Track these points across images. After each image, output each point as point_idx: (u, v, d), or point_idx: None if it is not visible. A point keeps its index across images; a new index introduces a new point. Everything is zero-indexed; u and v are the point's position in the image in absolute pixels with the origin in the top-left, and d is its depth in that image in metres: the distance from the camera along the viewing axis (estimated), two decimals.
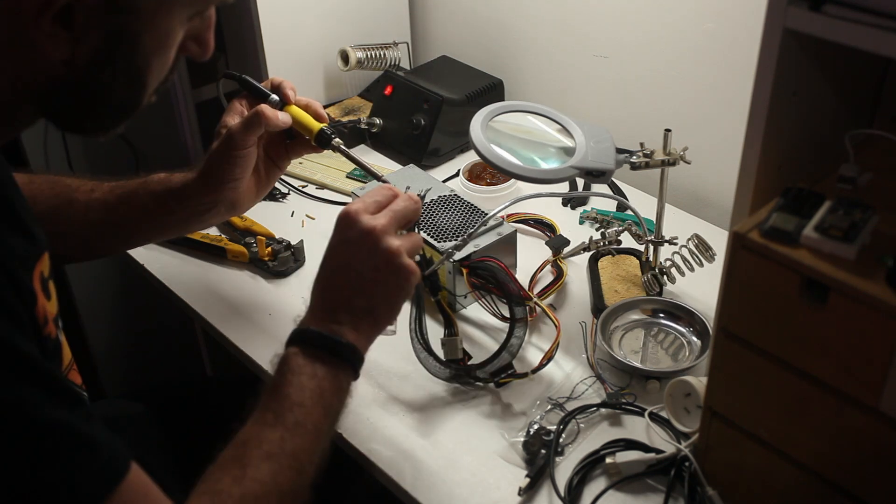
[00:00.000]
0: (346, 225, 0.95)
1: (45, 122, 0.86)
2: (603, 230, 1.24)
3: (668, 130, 1.14)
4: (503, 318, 1.13)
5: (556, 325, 1.12)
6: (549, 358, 1.09)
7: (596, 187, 1.41)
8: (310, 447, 0.87)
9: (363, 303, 0.93)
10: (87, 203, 1.12)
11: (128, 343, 2.03)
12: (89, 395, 1.01)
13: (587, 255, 1.27)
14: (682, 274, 1.18)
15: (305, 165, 1.54)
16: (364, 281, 0.93)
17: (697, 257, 1.16)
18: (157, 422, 1.24)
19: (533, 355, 1.15)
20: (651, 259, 1.23)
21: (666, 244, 1.21)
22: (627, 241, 1.24)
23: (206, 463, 0.89)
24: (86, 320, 1.95)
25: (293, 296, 1.26)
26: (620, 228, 1.22)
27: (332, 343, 0.90)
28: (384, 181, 1.08)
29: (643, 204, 1.32)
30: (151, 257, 1.34)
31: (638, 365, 1.11)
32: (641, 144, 1.16)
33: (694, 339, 1.15)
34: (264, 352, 1.16)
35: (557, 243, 1.25)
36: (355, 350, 0.91)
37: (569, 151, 1.13)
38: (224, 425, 1.20)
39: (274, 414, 0.86)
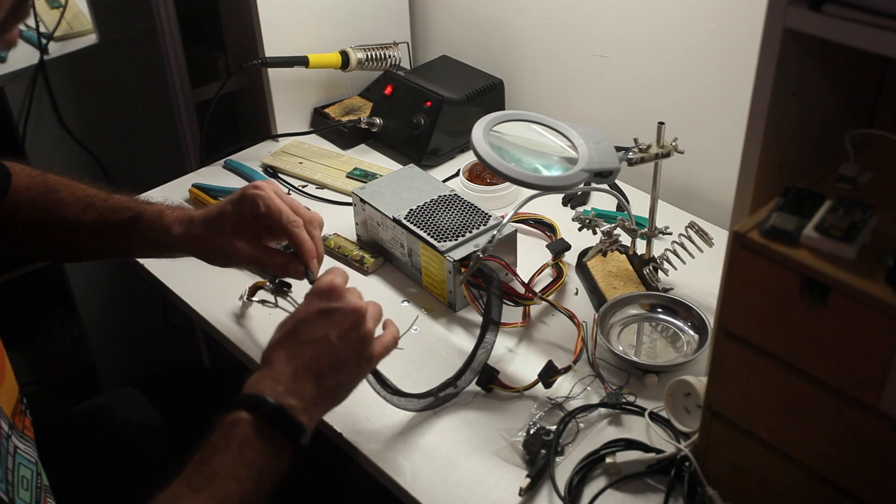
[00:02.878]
0: (329, 297, 0.92)
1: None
2: (601, 229, 1.24)
3: (661, 123, 1.15)
4: (495, 324, 1.13)
5: (571, 318, 1.13)
6: (580, 351, 1.10)
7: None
8: None
9: (332, 381, 0.90)
10: (75, 223, 1.12)
11: (126, 336, 2.04)
12: (87, 391, 1.01)
13: (575, 257, 1.29)
14: (683, 262, 1.19)
15: (305, 165, 1.54)
16: (339, 359, 0.90)
17: (695, 244, 1.16)
18: (156, 413, 1.24)
19: (536, 355, 1.15)
20: (643, 253, 1.25)
21: (658, 237, 1.23)
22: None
23: None
24: (83, 313, 1.95)
25: (292, 296, 1.26)
26: (614, 225, 1.23)
27: (288, 423, 0.86)
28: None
29: (633, 200, 1.32)
30: None
31: (636, 359, 1.11)
32: (635, 140, 1.17)
33: (692, 333, 1.15)
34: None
35: (557, 247, 1.25)
36: (306, 433, 0.87)
37: (570, 157, 1.13)
38: (222, 416, 1.21)
39: (206, 479, 0.82)
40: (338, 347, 0.90)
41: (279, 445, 0.86)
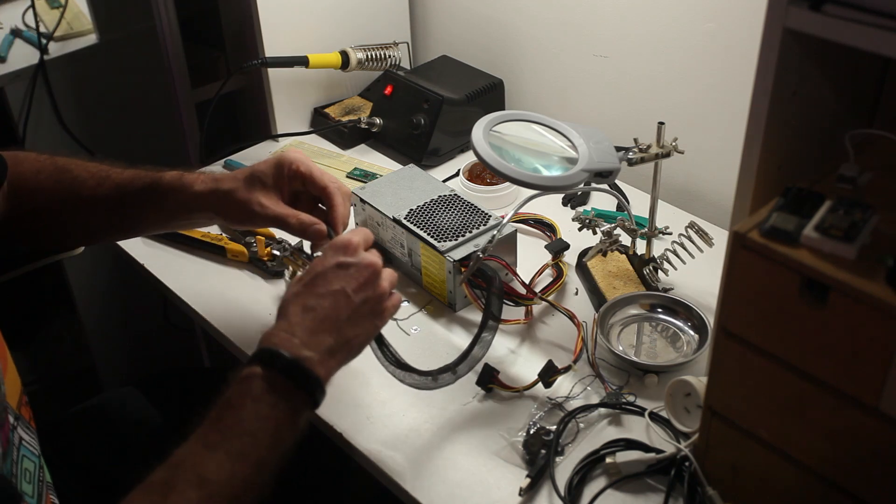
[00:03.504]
0: (346, 251, 0.92)
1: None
2: (601, 229, 1.24)
3: (661, 123, 1.15)
4: (495, 319, 1.14)
5: (571, 318, 1.13)
6: (580, 350, 1.10)
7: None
8: (248, 479, 0.81)
9: (349, 333, 0.90)
10: (92, 199, 1.10)
11: (126, 336, 2.04)
12: (87, 391, 1.01)
13: (575, 257, 1.29)
14: (683, 262, 1.19)
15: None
16: (354, 312, 0.91)
17: (695, 244, 1.16)
18: (156, 413, 1.24)
19: (536, 355, 1.15)
20: (642, 253, 1.25)
21: (658, 237, 1.23)
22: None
23: None
24: (83, 313, 1.95)
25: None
26: (614, 225, 1.23)
27: (304, 376, 0.85)
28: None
29: (633, 200, 1.32)
30: (151, 256, 1.34)
31: (636, 359, 1.11)
32: (635, 140, 1.17)
33: (692, 333, 1.15)
34: None
35: (557, 247, 1.25)
36: (322, 386, 0.87)
37: (570, 157, 1.13)
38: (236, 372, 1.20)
39: (220, 435, 0.82)
40: (353, 300, 0.90)
41: (295, 399, 0.85)
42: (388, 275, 0.95)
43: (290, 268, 1.23)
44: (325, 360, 0.87)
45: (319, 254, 1.01)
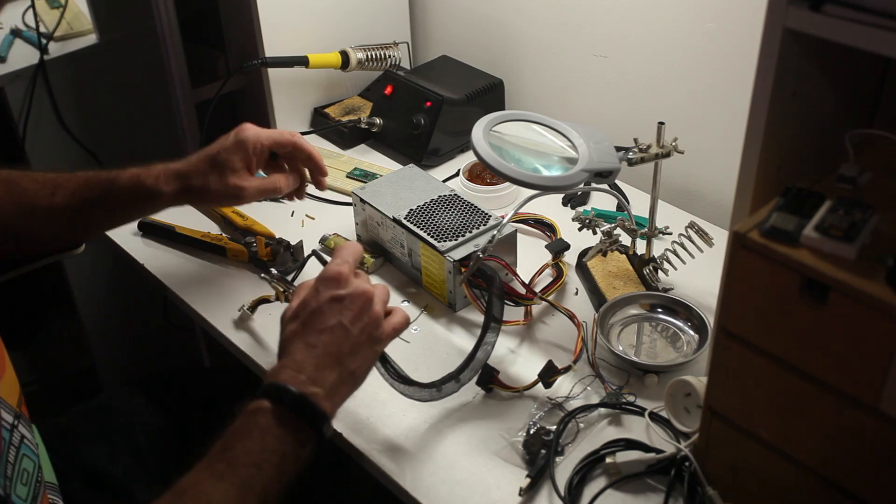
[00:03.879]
0: (338, 284, 0.93)
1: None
2: (601, 229, 1.24)
3: (661, 123, 1.15)
4: (496, 322, 1.14)
5: (571, 318, 1.13)
6: (580, 350, 1.10)
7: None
8: None
9: (351, 366, 0.91)
10: (48, 208, 1.11)
11: (126, 336, 2.04)
12: (87, 391, 1.01)
13: (575, 257, 1.29)
14: (683, 262, 1.19)
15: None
16: (354, 343, 0.91)
17: (695, 244, 1.16)
18: (156, 413, 1.24)
19: (536, 355, 1.15)
20: (643, 253, 1.25)
21: (658, 237, 1.23)
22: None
23: (203, 453, 0.87)
24: (83, 313, 1.95)
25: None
26: (614, 225, 1.23)
27: (311, 412, 0.86)
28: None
29: (633, 200, 1.32)
30: (151, 256, 1.34)
31: (636, 359, 1.11)
32: (635, 140, 1.17)
33: (692, 333, 1.15)
34: (263, 351, 1.16)
35: (557, 247, 1.25)
36: (328, 420, 0.88)
37: (570, 157, 1.13)
38: (222, 415, 1.21)
39: (227, 465, 0.83)
40: (351, 332, 0.91)
41: (302, 433, 0.86)
42: (380, 296, 0.95)
43: (275, 293, 1.20)
44: (330, 394, 0.89)
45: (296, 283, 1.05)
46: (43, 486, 0.95)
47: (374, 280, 1.29)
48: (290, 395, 0.86)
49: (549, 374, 1.06)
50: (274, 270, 1.20)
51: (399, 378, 1.04)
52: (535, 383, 1.07)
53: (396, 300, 1.26)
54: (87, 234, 1.21)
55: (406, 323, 0.97)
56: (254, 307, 1.21)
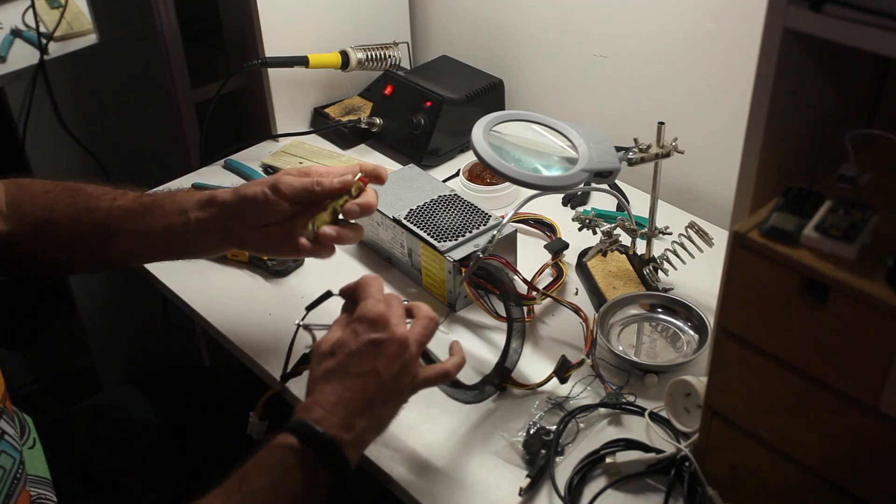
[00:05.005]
0: (378, 327, 0.90)
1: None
2: (601, 229, 1.24)
3: (661, 123, 1.15)
4: (499, 317, 1.14)
5: (577, 312, 1.13)
6: (591, 343, 1.09)
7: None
8: None
9: (380, 413, 0.90)
10: (108, 210, 1.09)
11: (126, 336, 2.04)
12: (87, 391, 1.01)
13: (575, 257, 1.29)
14: (683, 262, 1.19)
15: (305, 165, 1.54)
16: (387, 390, 0.90)
17: (695, 244, 1.16)
18: (156, 413, 1.24)
19: (541, 353, 1.15)
20: (643, 253, 1.25)
21: (658, 237, 1.23)
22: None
23: (202, 453, 0.87)
24: (83, 313, 1.95)
25: (292, 295, 1.26)
26: (614, 225, 1.23)
27: (338, 459, 0.85)
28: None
29: (633, 200, 1.32)
30: None
31: (636, 359, 1.11)
32: (635, 140, 1.17)
33: (692, 333, 1.15)
34: (264, 350, 1.16)
35: (556, 246, 1.25)
36: (350, 470, 0.87)
37: (570, 157, 1.13)
38: (221, 415, 1.20)
39: (242, 497, 0.82)
40: (385, 379, 0.89)
41: (321, 478, 0.85)
42: (417, 337, 0.93)
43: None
44: (356, 442, 0.88)
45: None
46: (23, 483, 0.94)
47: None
48: (319, 439, 0.85)
49: (564, 369, 1.06)
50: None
51: (451, 382, 1.03)
52: (549, 378, 1.07)
53: None
54: (139, 247, 1.13)
55: (444, 376, 0.95)
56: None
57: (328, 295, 0.99)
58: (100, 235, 1.09)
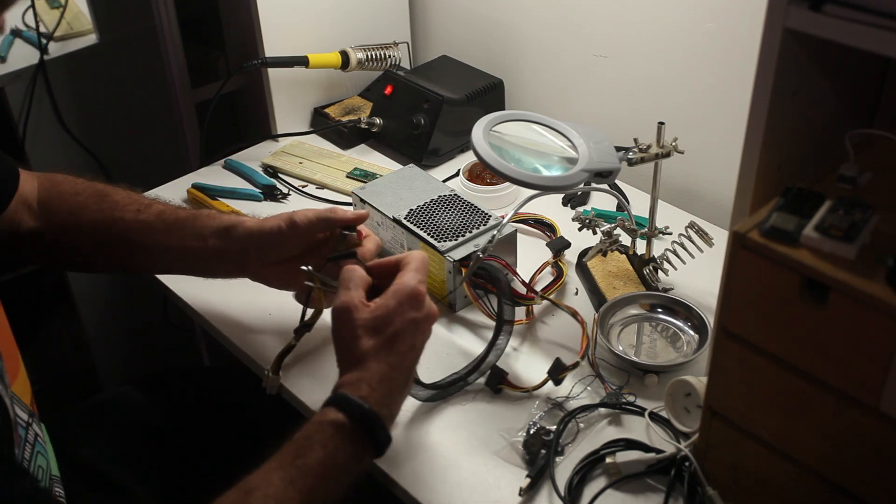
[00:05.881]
0: (418, 305, 0.93)
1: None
2: (601, 229, 1.24)
3: (661, 123, 1.15)
4: (507, 323, 1.14)
5: (574, 315, 1.13)
6: (586, 346, 1.10)
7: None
8: None
9: (410, 384, 0.96)
10: (132, 223, 1.12)
11: (126, 336, 2.04)
12: (87, 391, 1.02)
13: (575, 257, 1.29)
14: (683, 262, 1.19)
15: (305, 165, 1.54)
16: (415, 363, 0.95)
17: (695, 244, 1.16)
18: (156, 413, 1.24)
19: (539, 355, 1.15)
20: (643, 253, 1.25)
21: (658, 237, 1.23)
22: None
23: (202, 452, 0.88)
24: (83, 313, 1.95)
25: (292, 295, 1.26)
26: (614, 225, 1.23)
27: (383, 435, 0.89)
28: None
29: (633, 200, 1.32)
30: None
31: (636, 359, 1.11)
32: (635, 140, 1.17)
33: (692, 333, 1.15)
34: (264, 350, 1.16)
35: (558, 245, 1.25)
36: (390, 443, 0.91)
37: (570, 157, 1.13)
38: (221, 415, 1.21)
39: (298, 472, 0.84)
40: (419, 354, 0.94)
41: (366, 452, 0.89)
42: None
43: (314, 293, 1.09)
44: (393, 415, 0.92)
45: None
46: (53, 482, 0.96)
47: None
48: (367, 416, 0.87)
49: (558, 371, 1.06)
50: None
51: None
52: (544, 382, 1.07)
53: None
54: (157, 261, 1.17)
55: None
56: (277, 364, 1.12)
57: (353, 255, 1.01)
58: (121, 246, 1.13)
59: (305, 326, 1.07)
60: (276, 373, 1.09)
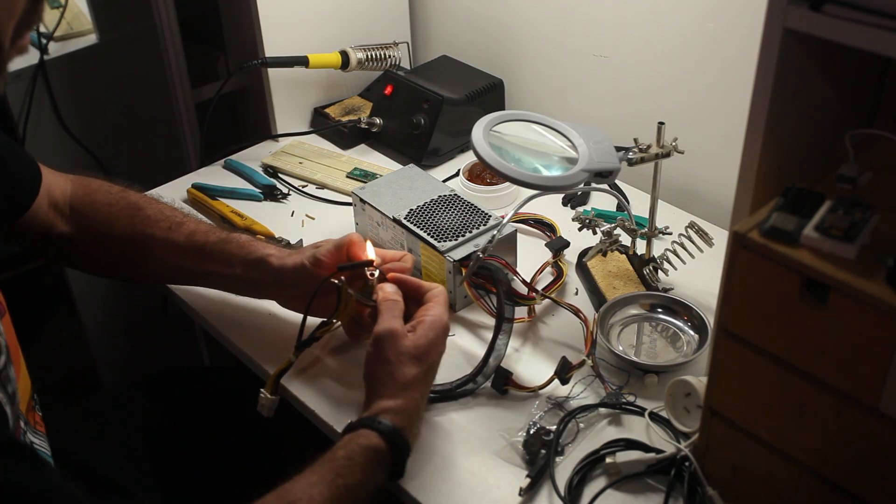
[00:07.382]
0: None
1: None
2: (601, 229, 1.24)
3: (661, 123, 1.15)
4: (507, 321, 1.14)
5: (576, 313, 1.13)
6: (591, 343, 1.09)
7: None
8: None
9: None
10: (162, 241, 1.15)
11: (126, 336, 2.04)
12: (87, 391, 1.02)
13: (575, 257, 1.29)
14: (683, 262, 1.19)
15: (305, 165, 1.54)
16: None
17: (695, 244, 1.16)
18: (156, 413, 1.24)
19: (541, 355, 1.15)
20: (643, 253, 1.25)
21: (658, 237, 1.23)
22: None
23: (202, 452, 0.88)
24: (83, 313, 1.95)
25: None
26: (614, 225, 1.23)
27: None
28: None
29: (633, 200, 1.32)
30: None
31: (636, 359, 1.11)
32: (635, 140, 1.17)
33: (692, 333, 1.15)
34: (264, 351, 1.16)
35: (557, 245, 1.25)
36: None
37: (570, 157, 1.13)
38: (221, 415, 1.21)
39: (339, 491, 0.88)
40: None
41: (390, 478, 0.95)
42: None
43: (342, 306, 1.06)
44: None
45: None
46: None
47: None
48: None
49: (565, 370, 1.06)
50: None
51: None
52: (550, 380, 1.07)
53: None
54: (182, 278, 1.21)
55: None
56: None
57: (368, 264, 1.05)
58: (149, 262, 1.16)
59: (310, 341, 1.06)
60: (275, 393, 1.06)
